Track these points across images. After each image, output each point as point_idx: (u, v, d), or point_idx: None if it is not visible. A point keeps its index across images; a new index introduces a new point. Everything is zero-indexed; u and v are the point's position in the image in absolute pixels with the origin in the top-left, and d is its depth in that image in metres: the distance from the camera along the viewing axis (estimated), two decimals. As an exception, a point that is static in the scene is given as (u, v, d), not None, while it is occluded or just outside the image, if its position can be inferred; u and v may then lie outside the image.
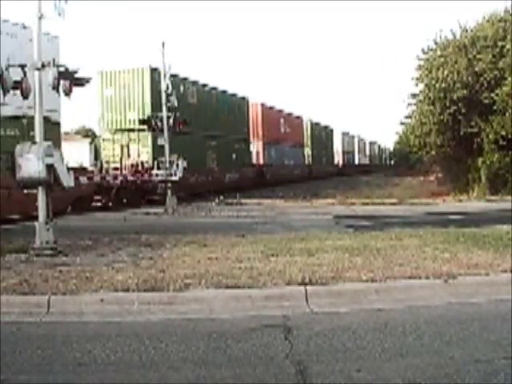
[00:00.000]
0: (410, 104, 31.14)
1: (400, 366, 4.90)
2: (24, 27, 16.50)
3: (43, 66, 10.60)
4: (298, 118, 54.79)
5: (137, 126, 26.12)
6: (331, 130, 69.41)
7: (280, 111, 48.50)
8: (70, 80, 10.79)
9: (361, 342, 5.56)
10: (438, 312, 6.64)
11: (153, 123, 22.64)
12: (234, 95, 37.91)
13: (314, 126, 60.37)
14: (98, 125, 29.28)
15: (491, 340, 5.49)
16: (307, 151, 56.92)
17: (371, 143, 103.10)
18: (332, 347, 5.47)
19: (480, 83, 26.82)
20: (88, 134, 54.16)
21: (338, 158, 71.65)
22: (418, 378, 4.65)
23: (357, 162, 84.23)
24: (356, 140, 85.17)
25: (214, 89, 35.06)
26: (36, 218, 10.70)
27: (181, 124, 22.96)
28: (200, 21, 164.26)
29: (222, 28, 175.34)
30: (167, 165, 22.04)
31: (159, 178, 22.43)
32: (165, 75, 22.40)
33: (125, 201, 24.00)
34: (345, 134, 75.72)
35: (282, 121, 48.07)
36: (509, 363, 4.82)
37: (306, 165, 55.47)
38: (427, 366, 4.88)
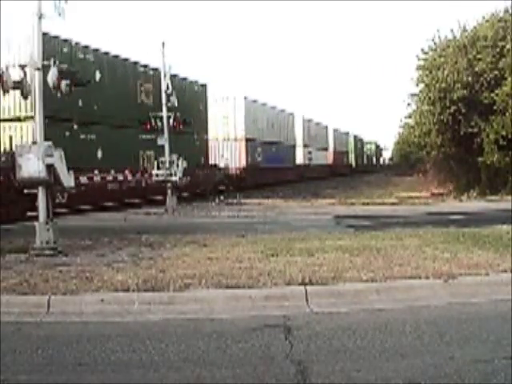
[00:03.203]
0: (409, 104, 31.15)
1: (400, 366, 4.90)
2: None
3: (43, 65, 10.61)
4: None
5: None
6: (202, 89, 31.57)
7: None
8: (70, 80, 10.80)
9: (361, 342, 5.55)
10: (438, 312, 6.64)
11: (152, 123, 22.65)
12: None
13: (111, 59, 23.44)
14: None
15: (491, 340, 5.49)
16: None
17: (338, 132, 68.07)
18: (332, 347, 5.46)
19: (480, 83, 26.80)
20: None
21: (233, 155, 35.85)
22: (418, 377, 4.65)
23: (300, 161, 50.50)
24: (299, 122, 49.99)
25: None
26: (36, 217, 10.70)
27: (180, 124, 22.99)
28: (194, 20, 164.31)
29: (217, 25, 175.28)
30: (167, 165, 22.04)
31: (159, 178, 22.42)
32: (165, 75, 22.42)
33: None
34: (257, 104, 39.51)
35: None
36: (509, 363, 4.81)
37: None
38: (427, 366, 4.88)
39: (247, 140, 36.79)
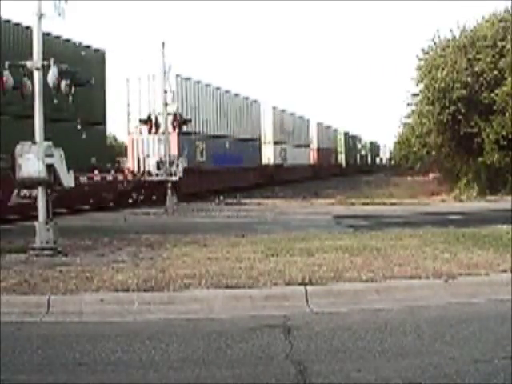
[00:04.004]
0: (409, 104, 31.16)
1: (400, 366, 4.91)
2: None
3: (43, 65, 10.60)
4: None
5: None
6: (97, 56, 22.03)
7: None
8: (70, 80, 10.79)
9: (361, 342, 5.56)
10: (438, 312, 6.65)
11: (152, 123, 22.66)
12: None
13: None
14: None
15: (491, 340, 5.49)
16: None
17: (324, 127, 57.89)
18: (332, 347, 5.47)
19: (480, 83, 26.83)
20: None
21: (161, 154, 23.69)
22: (418, 377, 4.65)
23: (269, 160, 41.03)
24: (267, 112, 40.53)
25: None
26: (36, 217, 10.70)
27: (180, 124, 23.01)
28: (195, 19, 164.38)
29: (216, 24, 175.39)
30: (167, 165, 22.06)
31: (159, 178, 22.42)
32: (165, 75, 22.44)
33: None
34: (197, 85, 29.77)
35: None
36: (509, 363, 4.82)
37: None
38: (427, 365, 4.88)
39: (181, 134, 25.67)
